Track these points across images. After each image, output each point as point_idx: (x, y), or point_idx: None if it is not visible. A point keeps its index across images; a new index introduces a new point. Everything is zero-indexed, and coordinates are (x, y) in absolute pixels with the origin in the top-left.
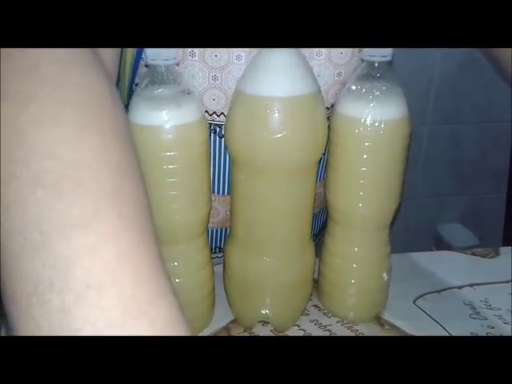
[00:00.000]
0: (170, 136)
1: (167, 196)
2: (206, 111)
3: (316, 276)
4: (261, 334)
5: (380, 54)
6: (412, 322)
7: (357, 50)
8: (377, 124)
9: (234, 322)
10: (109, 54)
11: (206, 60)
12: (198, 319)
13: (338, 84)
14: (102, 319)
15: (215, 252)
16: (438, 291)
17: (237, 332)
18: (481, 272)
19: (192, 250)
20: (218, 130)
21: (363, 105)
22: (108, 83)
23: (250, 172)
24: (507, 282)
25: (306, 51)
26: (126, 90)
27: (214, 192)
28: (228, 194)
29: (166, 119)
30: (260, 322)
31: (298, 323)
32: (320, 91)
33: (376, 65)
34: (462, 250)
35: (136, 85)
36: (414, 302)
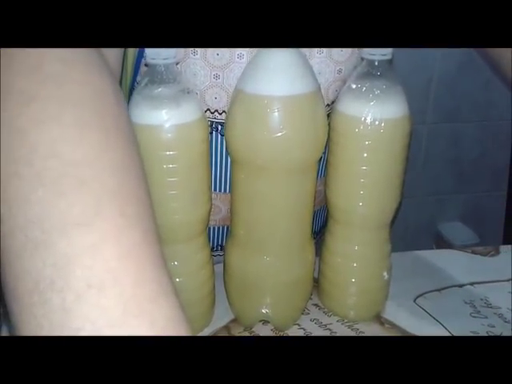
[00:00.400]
0: (169, 135)
1: (167, 195)
2: (208, 109)
3: (316, 275)
4: (261, 333)
5: (380, 53)
6: (412, 320)
7: None
8: (377, 123)
9: (234, 321)
10: (112, 53)
11: (208, 58)
12: (198, 318)
13: (338, 81)
14: (103, 318)
15: (216, 250)
16: (439, 290)
17: (237, 331)
18: (481, 270)
19: (192, 250)
20: (219, 128)
21: (363, 103)
22: (111, 82)
23: (250, 171)
24: (508, 280)
25: (306, 49)
26: (128, 89)
27: (215, 190)
28: (229, 191)
29: (165, 118)
30: (260, 321)
31: (298, 322)
32: (320, 90)
33: (376, 63)
34: (463, 248)
35: (138, 83)
36: (415, 301)
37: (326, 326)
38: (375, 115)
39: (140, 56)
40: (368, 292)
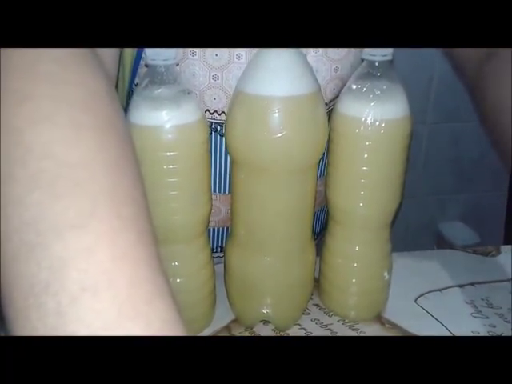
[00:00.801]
0: (169, 136)
1: (167, 196)
2: (207, 110)
3: (317, 275)
4: (262, 334)
5: (380, 54)
6: (413, 320)
7: None
8: (377, 123)
9: (234, 321)
10: (108, 54)
11: (207, 59)
12: (198, 319)
13: (335, 79)
14: (98, 321)
15: (217, 251)
16: (440, 290)
17: (238, 331)
18: (482, 270)
19: (192, 250)
20: (218, 128)
21: (364, 104)
22: (106, 82)
23: (250, 172)
24: (508, 280)
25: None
26: (126, 91)
27: (215, 191)
28: (229, 192)
29: (165, 119)
30: (261, 321)
31: (299, 322)
32: (320, 90)
33: (376, 64)
34: (463, 248)
35: (136, 85)
36: (415, 301)
37: (326, 326)
38: (376, 116)
39: (138, 57)
40: (369, 292)
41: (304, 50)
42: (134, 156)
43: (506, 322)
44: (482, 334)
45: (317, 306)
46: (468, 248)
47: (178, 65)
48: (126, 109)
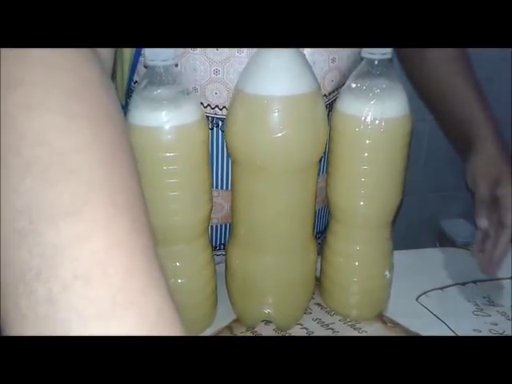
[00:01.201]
0: (169, 136)
1: (168, 196)
2: (208, 105)
3: (318, 274)
4: (263, 333)
5: (380, 52)
6: (415, 319)
7: None
8: (377, 122)
9: (236, 321)
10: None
11: (208, 53)
12: (200, 319)
13: (333, 70)
14: (90, 309)
15: (220, 249)
16: (441, 288)
17: (239, 331)
18: None
19: (194, 250)
20: (220, 123)
21: (363, 103)
22: (101, 72)
23: (250, 171)
24: (510, 278)
25: None
26: (125, 88)
27: (217, 187)
28: (231, 189)
29: (165, 120)
30: (262, 321)
31: (300, 322)
32: (320, 90)
33: (376, 62)
34: (465, 245)
35: (135, 82)
36: (417, 300)
37: (328, 325)
38: (375, 114)
39: (137, 54)
40: (370, 291)
41: None
42: (128, 146)
43: (508, 319)
44: (483, 332)
45: (318, 305)
46: (469, 246)
47: (177, 65)
48: (125, 106)
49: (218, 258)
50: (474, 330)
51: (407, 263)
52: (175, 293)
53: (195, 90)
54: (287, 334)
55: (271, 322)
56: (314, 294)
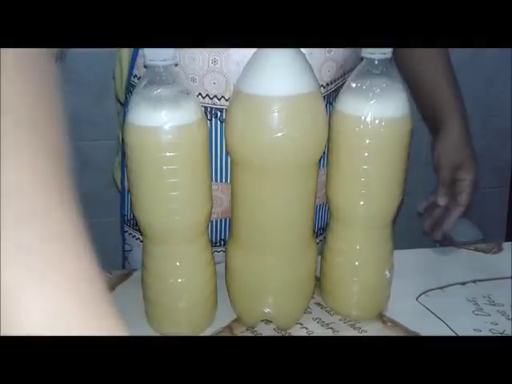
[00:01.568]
0: (169, 136)
1: (168, 196)
2: (207, 95)
3: (318, 274)
4: (264, 333)
5: (380, 52)
6: (415, 319)
7: None
8: (377, 122)
9: (236, 320)
10: None
11: None
12: (200, 318)
13: (329, 61)
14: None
15: (220, 245)
16: (441, 288)
17: (239, 331)
18: (484, 268)
19: (194, 250)
20: (218, 114)
21: (363, 102)
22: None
23: (250, 171)
24: (510, 277)
25: None
26: (125, 84)
27: (216, 180)
28: (228, 181)
29: (165, 120)
30: (262, 320)
31: (300, 321)
32: (320, 90)
33: (376, 62)
34: (466, 244)
35: (134, 77)
36: (417, 299)
37: (328, 324)
38: (375, 114)
39: (136, 49)
40: (370, 291)
41: None
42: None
43: (508, 319)
44: (483, 332)
45: (318, 304)
46: (469, 245)
47: (176, 65)
48: (124, 103)
49: (218, 255)
50: (474, 330)
51: (407, 263)
52: (175, 293)
53: (193, 80)
54: (287, 334)
55: (271, 322)
56: (314, 293)
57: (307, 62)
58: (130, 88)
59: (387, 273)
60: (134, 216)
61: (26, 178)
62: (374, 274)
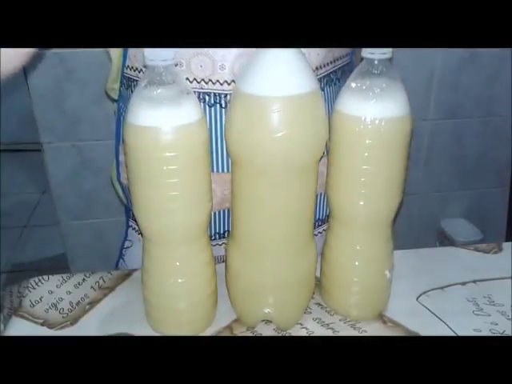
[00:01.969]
0: (169, 136)
1: (168, 196)
2: (194, 79)
3: (318, 274)
4: (264, 333)
5: (380, 52)
6: (415, 319)
7: None
8: (377, 122)
9: (236, 321)
10: None
11: None
12: (200, 319)
13: None
14: None
15: (215, 238)
16: (441, 288)
17: (240, 331)
18: (484, 268)
19: (194, 250)
20: (206, 98)
21: (363, 102)
22: None
23: (250, 172)
24: (510, 277)
25: None
26: (119, 75)
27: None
28: (223, 171)
29: (165, 120)
30: (263, 320)
31: (300, 321)
32: (319, 90)
33: (376, 62)
34: (466, 244)
35: (127, 68)
36: (417, 299)
37: (328, 325)
38: (375, 114)
39: None
40: (370, 291)
41: None
42: None
43: (508, 319)
44: (483, 332)
45: (318, 305)
46: (470, 245)
47: (176, 65)
48: (118, 94)
49: (214, 248)
50: (474, 330)
51: (407, 263)
52: (175, 293)
53: (180, 64)
54: (287, 334)
55: (271, 322)
56: (314, 293)
57: (307, 61)
58: (123, 80)
59: (387, 273)
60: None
61: None
62: (374, 274)
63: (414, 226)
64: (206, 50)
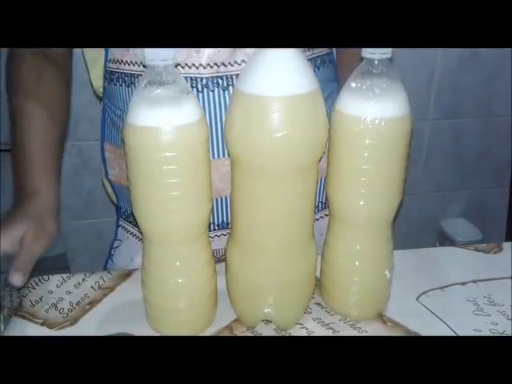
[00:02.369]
0: (169, 136)
1: (168, 196)
2: (186, 64)
3: (318, 274)
4: (264, 333)
5: (380, 52)
6: (415, 319)
7: None
8: (377, 122)
9: (236, 321)
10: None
11: None
12: (200, 318)
13: None
14: None
15: (210, 230)
16: (441, 288)
17: (240, 331)
18: (484, 268)
19: (194, 250)
20: (197, 83)
21: (363, 102)
22: None
23: (250, 172)
24: (510, 277)
25: None
26: (102, 70)
27: None
28: (218, 156)
29: (165, 120)
30: (263, 320)
31: (300, 321)
32: (320, 90)
33: (376, 62)
34: (466, 244)
35: (109, 61)
36: (417, 299)
37: (328, 325)
38: (375, 114)
39: None
40: (370, 291)
41: None
42: None
43: (508, 319)
44: (483, 332)
45: (318, 304)
46: (470, 245)
47: (176, 65)
48: (103, 93)
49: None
50: (474, 330)
51: (408, 263)
52: (175, 293)
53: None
54: (287, 334)
55: (271, 322)
56: (314, 293)
57: (307, 61)
58: (106, 75)
59: (387, 273)
60: (132, 213)
61: None
62: (374, 274)
63: (414, 226)
64: None
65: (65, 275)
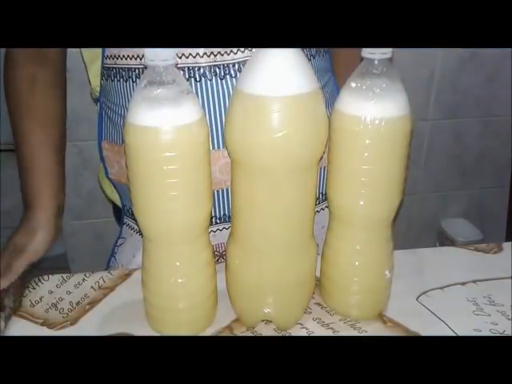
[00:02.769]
0: (169, 136)
1: (168, 196)
2: (183, 54)
3: (318, 274)
4: (264, 333)
5: (380, 52)
6: (415, 319)
7: None
8: (377, 122)
9: (236, 320)
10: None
11: None
12: (200, 318)
13: None
14: None
15: (210, 224)
16: (441, 288)
17: (240, 331)
18: (484, 268)
19: (194, 250)
20: (180, 73)
21: (363, 102)
22: None
23: (250, 171)
24: (510, 277)
25: None
26: (99, 67)
27: None
28: (218, 147)
29: (165, 120)
30: (263, 320)
31: (300, 321)
32: (320, 90)
33: (376, 62)
34: (466, 244)
35: (107, 58)
36: (417, 299)
37: (328, 325)
38: (375, 114)
39: None
40: (370, 291)
41: None
42: None
43: (508, 319)
44: (483, 332)
45: (318, 304)
46: (470, 245)
47: (176, 65)
48: (100, 87)
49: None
50: (474, 330)
51: (408, 262)
52: (175, 293)
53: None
54: (287, 334)
55: (271, 322)
56: (314, 293)
57: (307, 61)
58: (103, 72)
59: (387, 273)
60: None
61: None
62: (374, 273)
63: (414, 226)
64: None
65: (65, 275)
